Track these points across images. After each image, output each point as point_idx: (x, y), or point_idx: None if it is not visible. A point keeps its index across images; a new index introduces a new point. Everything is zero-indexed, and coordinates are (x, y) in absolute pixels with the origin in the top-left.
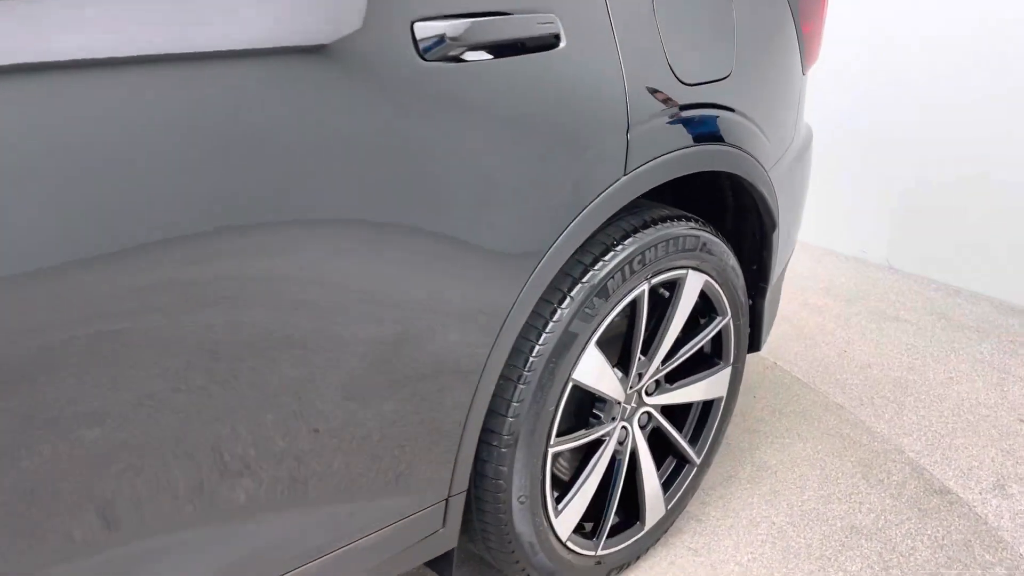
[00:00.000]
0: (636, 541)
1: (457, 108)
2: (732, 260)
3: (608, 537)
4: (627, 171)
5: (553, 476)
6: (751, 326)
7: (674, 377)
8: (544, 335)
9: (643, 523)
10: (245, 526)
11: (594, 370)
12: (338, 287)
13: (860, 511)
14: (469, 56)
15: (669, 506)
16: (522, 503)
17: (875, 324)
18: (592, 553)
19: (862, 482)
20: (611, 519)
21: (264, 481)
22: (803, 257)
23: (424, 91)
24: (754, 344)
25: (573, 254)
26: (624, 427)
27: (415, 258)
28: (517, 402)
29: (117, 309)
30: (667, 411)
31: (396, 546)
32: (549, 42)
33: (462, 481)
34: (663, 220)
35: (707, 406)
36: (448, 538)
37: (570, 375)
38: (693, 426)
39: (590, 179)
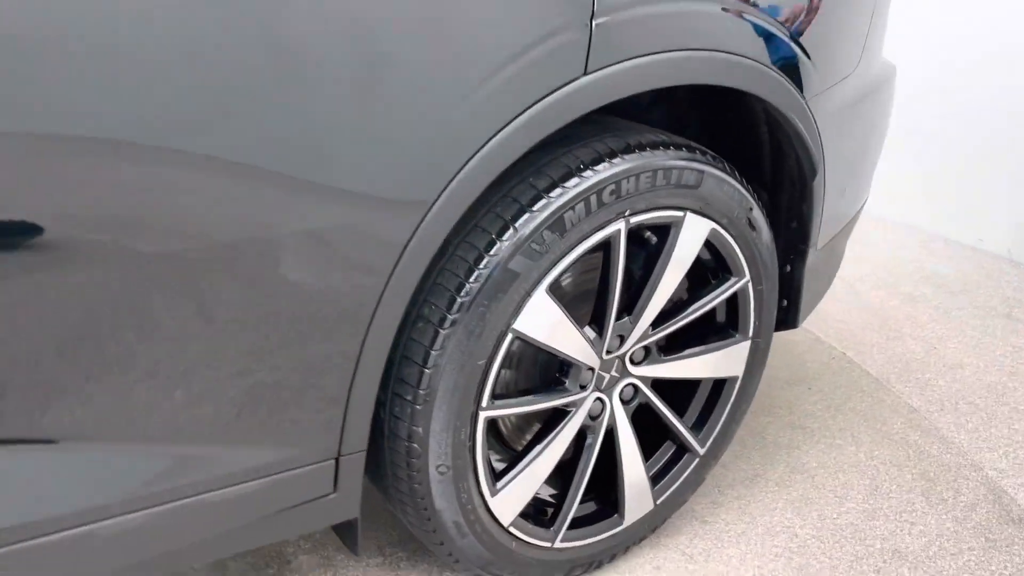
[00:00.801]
0: (611, 536)
1: None
2: (754, 208)
3: (573, 528)
4: (588, 71)
5: (506, 448)
6: (786, 297)
7: (673, 347)
8: (477, 271)
9: (621, 516)
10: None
11: (546, 322)
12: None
13: (910, 533)
14: None
15: (659, 500)
16: (442, 473)
17: (979, 320)
18: (547, 544)
19: (920, 499)
20: (574, 506)
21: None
22: (907, 240)
23: None
24: (789, 319)
25: (520, 175)
26: (599, 399)
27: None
28: (437, 350)
29: None
30: (662, 387)
31: (271, 504)
32: None
33: (357, 439)
34: (650, 146)
35: (719, 387)
36: (345, 505)
37: (510, 324)
38: (700, 410)
39: (532, 74)
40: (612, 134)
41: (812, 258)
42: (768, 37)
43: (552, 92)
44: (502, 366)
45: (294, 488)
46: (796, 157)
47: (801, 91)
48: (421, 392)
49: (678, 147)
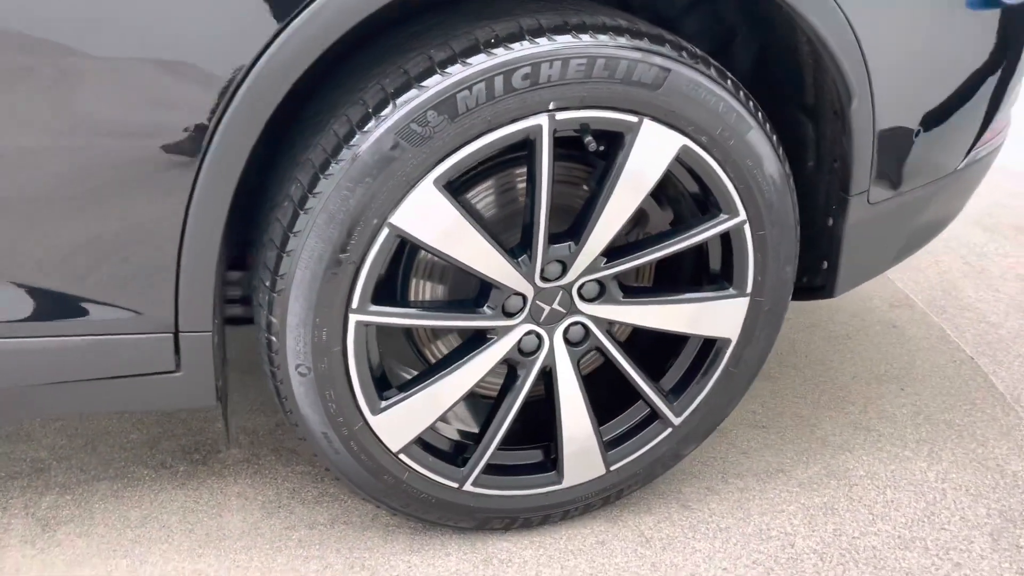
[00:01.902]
0: (545, 495)
1: None
2: (753, 130)
3: (493, 473)
4: None
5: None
6: (826, 258)
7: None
8: (345, 148)
9: (560, 475)
10: None
11: (437, 224)
12: None
13: (953, 573)
14: None
15: (614, 467)
16: (302, 375)
17: None
18: (454, 485)
19: (984, 539)
20: (490, 449)
21: None
22: None
23: None
24: (828, 287)
25: (422, 45)
26: (535, 333)
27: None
28: (294, 234)
29: None
30: (640, 340)
31: (105, 366)
32: None
33: (198, 317)
34: (595, 28)
35: (707, 349)
36: (195, 390)
37: (385, 217)
38: (682, 374)
39: None
40: (555, 10)
41: (862, 213)
42: None
43: None
44: (400, 269)
45: (130, 355)
46: (833, 74)
47: None
48: (277, 279)
49: (637, 35)
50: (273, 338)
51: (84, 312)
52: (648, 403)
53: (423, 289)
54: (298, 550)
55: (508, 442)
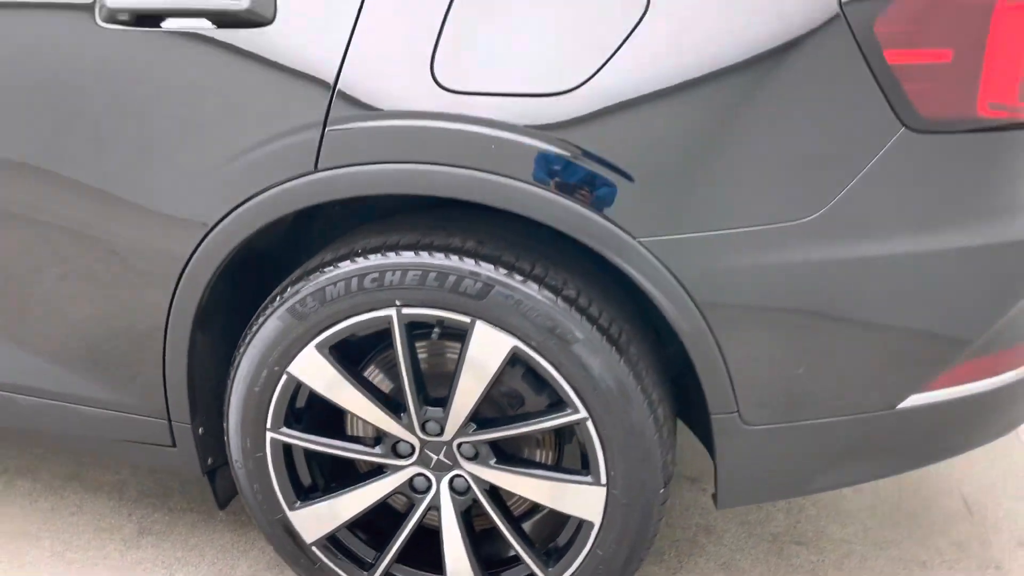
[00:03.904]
0: None
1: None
2: (580, 340)
3: None
4: (318, 168)
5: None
6: (715, 466)
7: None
8: (263, 316)
9: None
10: None
11: (322, 377)
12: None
13: None
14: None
15: None
16: (239, 467)
17: None
18: None
19: None
20: (384, 563)
21: None
22: None
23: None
24: (716, 495)
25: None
26: (424, 476)
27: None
28: (234, 367)
29: None
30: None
31: (110, 430)
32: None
33: (182, 414)
34: (435, 248)
35: (579, 525)
36: (188, 464)
37: (285, 367)
38: (566, 541)
39: (274, 162)
40: (419, 229)
41: (734, 432)
42: (535, 153)
43: (289, 180)
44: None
45: (132, 428)
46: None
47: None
48: (228, 396)
49: (472, 254)
50: (226, 437)
51: (115, 394)
52: (520, 558)
53: (355, 422)
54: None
55: (412, 562)
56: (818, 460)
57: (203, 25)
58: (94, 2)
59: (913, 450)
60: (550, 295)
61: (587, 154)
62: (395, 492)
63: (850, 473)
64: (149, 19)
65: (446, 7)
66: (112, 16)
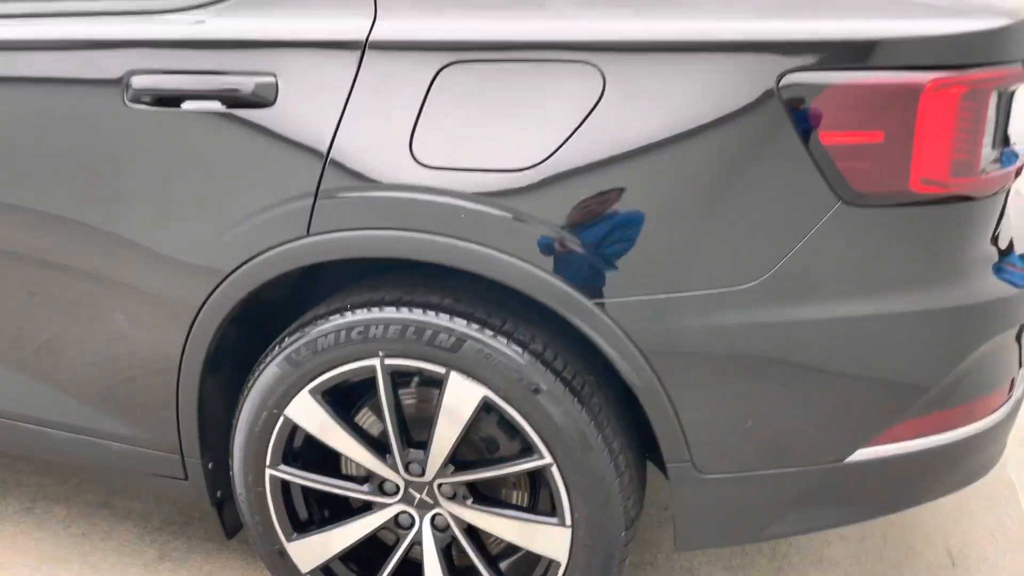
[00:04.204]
0: None
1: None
2: (545, 391)
3: None
4: (310, 232)
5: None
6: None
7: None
8: (261, 363)
9: None
10: None
11: (315, 420)
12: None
13: None
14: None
15: None
16: (242, 499)
17: None
18: None
19: None
20: None
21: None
22: None
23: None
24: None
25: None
26: (408, 513)
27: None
28: (239, 408)
29: None
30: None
31: (125, 462)
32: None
33: (193, 450)
34: (414, 304)
35: (549, 565)
36: (198, 496)
37: (282, 410)
38: None
39: (271, 228)
40: (403, 287)
41: (688, 481)
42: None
43: (286, 242)
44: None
45: (149, 461)
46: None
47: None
48: (233, 435)
49: (448, 311)
50: (231, 472)
51: (134, 430)
52: None
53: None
54: None
55: None
56: (772, 508)
57: (215, 107)
58: (122, 83)
59: (866, 501)
60: (518, 349)
61: (545, 223)
62: (382, 527)
63: (806, 520)
64: (169, 100)
65: (424, 91)
66: (137, 97)
